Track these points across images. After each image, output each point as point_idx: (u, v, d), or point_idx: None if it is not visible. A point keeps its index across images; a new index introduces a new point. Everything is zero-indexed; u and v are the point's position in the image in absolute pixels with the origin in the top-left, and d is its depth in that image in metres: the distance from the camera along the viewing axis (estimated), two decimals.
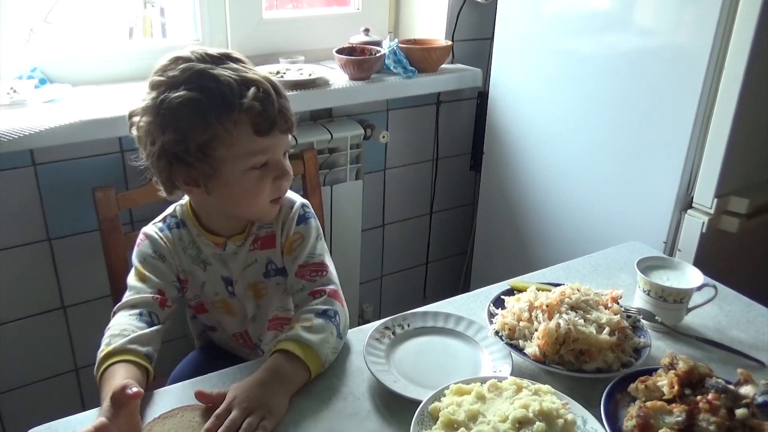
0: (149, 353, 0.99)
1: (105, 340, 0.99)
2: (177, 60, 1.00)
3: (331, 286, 1.09)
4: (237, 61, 1.03)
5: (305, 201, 1.17)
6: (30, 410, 1.67)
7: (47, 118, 1.37)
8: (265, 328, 1.23)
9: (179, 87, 0.97)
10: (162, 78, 0.99)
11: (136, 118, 1.02)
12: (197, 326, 1.35)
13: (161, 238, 1.12)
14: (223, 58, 1.01)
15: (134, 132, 1.03)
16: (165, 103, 0.97)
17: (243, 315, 1.20)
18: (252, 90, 0.98)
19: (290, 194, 1.16)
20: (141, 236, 1.13)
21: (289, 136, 1.07)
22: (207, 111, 0.96)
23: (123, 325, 1.01)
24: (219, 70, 0.98)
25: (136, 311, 1.04)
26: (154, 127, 0.99)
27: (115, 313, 1.05)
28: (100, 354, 0.97)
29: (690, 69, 1.40)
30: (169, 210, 1.16)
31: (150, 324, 1.03)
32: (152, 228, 1.14)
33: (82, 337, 1.70)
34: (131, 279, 1.09)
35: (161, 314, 1.07)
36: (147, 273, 1.09)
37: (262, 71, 1.05)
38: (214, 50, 1.02)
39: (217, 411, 0.89)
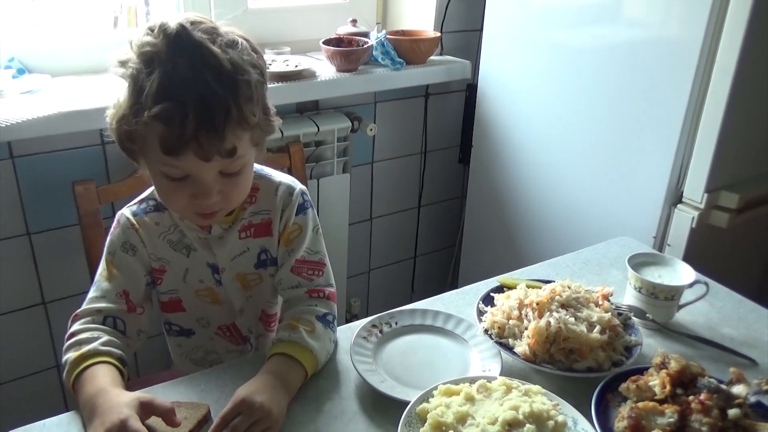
0: (123, 358, 0.96)
1: (73, 346, 0.95)
2: (162, 27, 0.89)
3: (330, 288, 1.07)
4: (232, 45, 0.90)
5: (304, 188, 1.10)
6: (10, 409, 1.64)
7: (25, 110, 1.33)
8: (257, 320, 1.18)
9: (144, 59, 0.88)
10: (147, 38, 0.89)
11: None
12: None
13: (133, 225, 1.05)
14: (207, 42, 0.88)
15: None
16: (129, 68, 0.89)
17: (230, 306, 1.14)
18: (161, 107, 0.85)
19: (289, 179, 1.10)
20: (115, 221, 1.07)
21: (231, 161, 0.92)
22: (136, 98, 0.88)
23: (91, 332, 0.97)
24: (175, 62, 0.86)
25: (101, 317, 1.00)
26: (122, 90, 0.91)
27: (77, 317, 1.00)
28: (72, 357, 0.93)
29: (681, 62, 1.38)
30: (149, 191, 1.08)
31: (117, 333, 0.99)
32: (126, 212, 1.07)
33: (63, 333, 1.62)
34: (99, 276, 1.04)
35: (129, 321, 1.02)
36: (115, 270, 1.03)
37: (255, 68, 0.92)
38: (208, 27, 0.90)
39: (224, 411, 0.85)
